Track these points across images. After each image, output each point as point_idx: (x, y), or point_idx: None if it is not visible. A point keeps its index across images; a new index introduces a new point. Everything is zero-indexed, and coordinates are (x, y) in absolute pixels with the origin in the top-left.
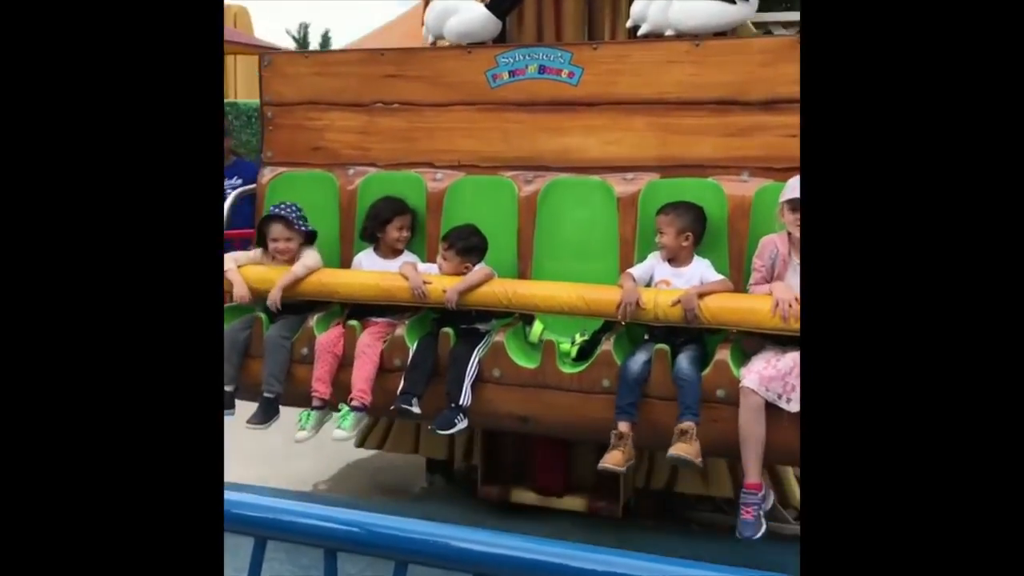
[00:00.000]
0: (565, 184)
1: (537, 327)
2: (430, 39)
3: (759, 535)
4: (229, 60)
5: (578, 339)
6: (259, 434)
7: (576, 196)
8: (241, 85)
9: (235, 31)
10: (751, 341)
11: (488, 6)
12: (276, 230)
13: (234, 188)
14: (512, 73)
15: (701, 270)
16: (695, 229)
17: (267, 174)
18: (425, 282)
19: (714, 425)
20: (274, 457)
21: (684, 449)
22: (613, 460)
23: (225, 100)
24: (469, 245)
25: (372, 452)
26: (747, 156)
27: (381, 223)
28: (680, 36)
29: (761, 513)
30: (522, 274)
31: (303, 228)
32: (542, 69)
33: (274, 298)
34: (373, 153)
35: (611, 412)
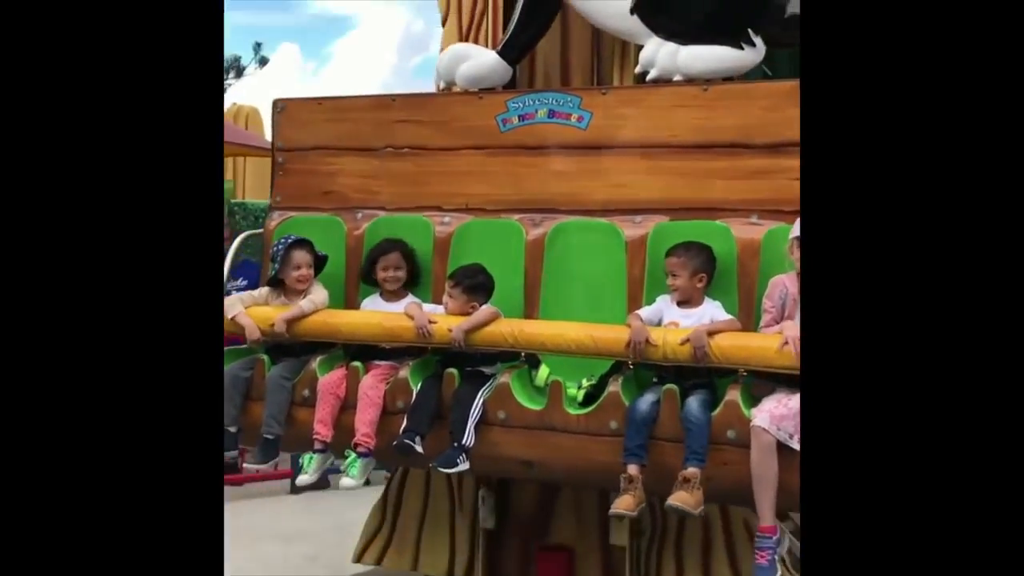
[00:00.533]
0: (573, 227)
1: (543, 371)
2: (441, 85)
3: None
4: (239, 161)
5: (585, 384)
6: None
7: (584, 239)
8: (251, 186)
9: (246, 132)
10: (762, 386)
11: (499, 52)
12: (299, 256)
13: (239, 290)
14: (522, 117)
15: (711, 312)
16: (708, 270)
17: (275, 218)
18: (430, 321)
19: (724, 469)
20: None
21: (683, 499)
22: (624, 505)
23: (234, 200)
24: (475, 283)
25: (369, 568)
26: (756, 199)
27: (371, 263)
28: (688, 81)
29: (776, 557)
30: (528, 317)
31: (320, 253)
32: (552, 113)
33: (280, 328)
34: (382, 197)
35: (618, 456)
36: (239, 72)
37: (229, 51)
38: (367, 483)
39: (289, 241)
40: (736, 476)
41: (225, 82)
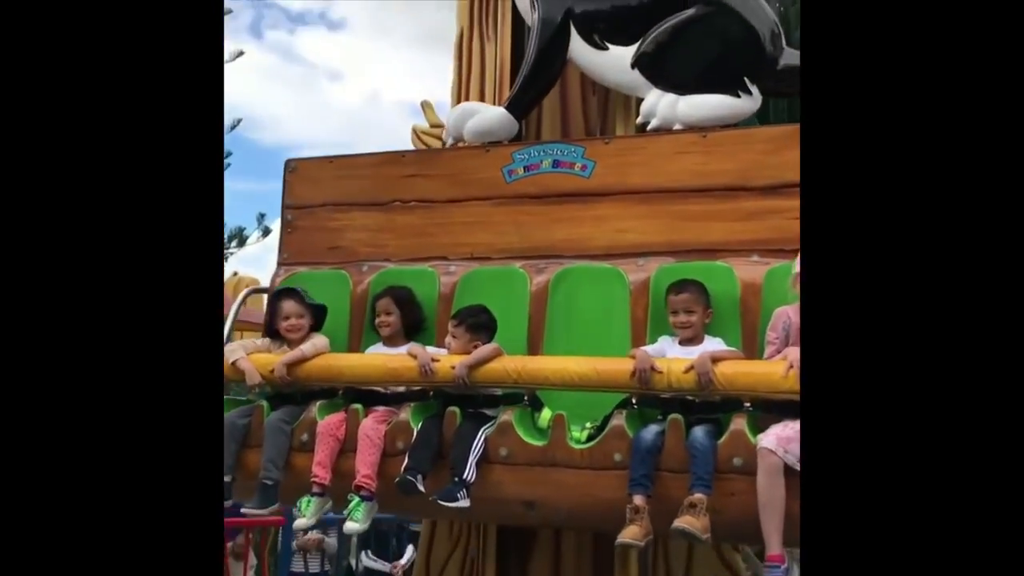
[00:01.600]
0: (576, 271)
1: (546, 413)
2: (450, 141)
3: None
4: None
5: (588, 426)
6: None
7: (587, 282)
8: None
9: (247, 309)
10: (767, 418)
11: (507, 107)
12: (288, 307)
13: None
14: (527, 168)
15: (714, 348)
16: (710, 306)
17: (281, 274)
18: (433, 359)
19: (731, 499)
20: None
21: (690, 522)
22: (631, 534)
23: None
24: (479, 322)
25: None
26: (756, 239)
27: (372, 311)
28: (688, 129)
29: None
30: None
31: (314, 303)
32: (556, 163)
33: (280, 372)
34: (388, 249)
35: (622, 491)
36: (241, 241)
37: (233, 222)
38: None
39: (277, 291)
40: (743, 506)
41: (227, 250)
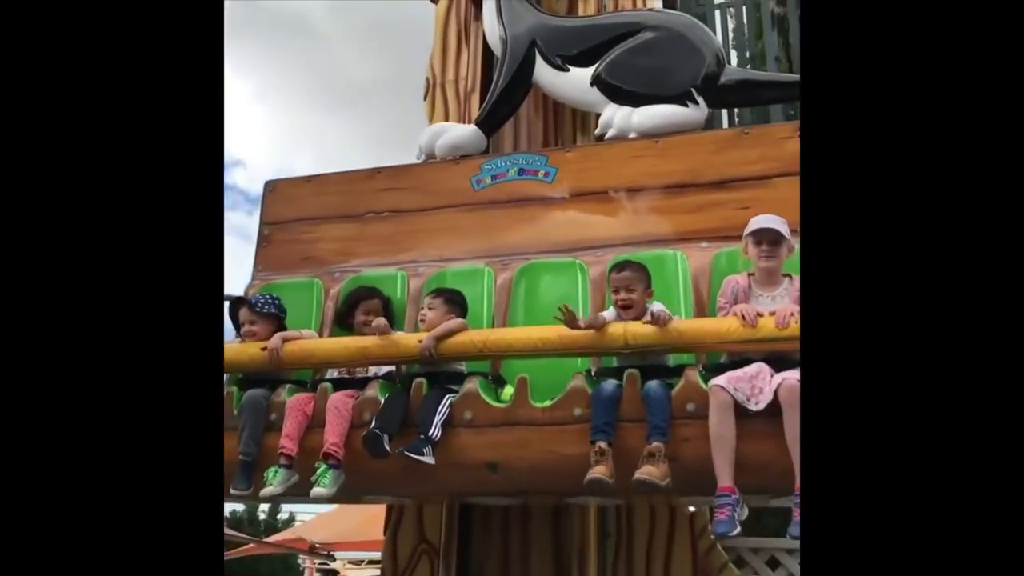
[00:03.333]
0: (539, 266)
1: (508, 389)
2: (423, 158)
3: (734, 533)
4: None
5: (549, 402)
6: None
7: (549, 274)
8: None
9: None
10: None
11: (478, 123)
12: (243, 315)
13: None
14: (494, 177)
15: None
16: (650, 285)
17: (254, 286)
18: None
19: (686, 445)
20: None
21: (650, 472)
22: (599, 471)
23: None
24: (455, 298)
25: None
26: (705, 228)
27: (349, 308)
28: (642, 137)
29: (735, 514)
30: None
31: (265, 311)
32: (521, 171)
33: (275, 343)
34: (360, 256)
35: (583, 446)
36: None
37: None
38: None
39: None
40: (697, 451)
41: None
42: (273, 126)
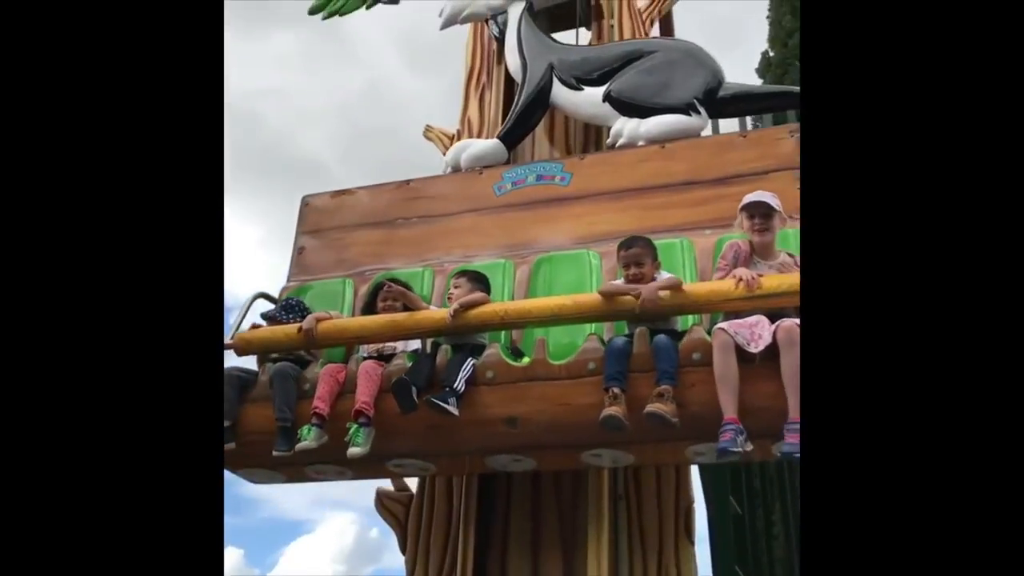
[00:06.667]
0: (556, 257)
1: (526, 360)
2: (448, 171)
3: (735, 449)
4: None
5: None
6: None
7: (565, 264)
8: None
9: None
10: None
11: (500, 138)
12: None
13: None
14: (515, 183)
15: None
16: (657, 258)
17: (290, 286)
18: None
19: (692, 390)
20: None
21: (660, 407)
22: (614, 410)
23: None
24: (479, 277)
25: None
26: (708, 218)
27: (372, 299)
28: (650, 143)
29: (737, 439)
30: (516, 339)
31: (286, 319)
32: (539, 177)
33: (309, 324)
34: (390, 258)
35: (597, 396)
36: None
37: None
38: None
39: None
40: (703, 396)
41: None
42: (282, 267)
